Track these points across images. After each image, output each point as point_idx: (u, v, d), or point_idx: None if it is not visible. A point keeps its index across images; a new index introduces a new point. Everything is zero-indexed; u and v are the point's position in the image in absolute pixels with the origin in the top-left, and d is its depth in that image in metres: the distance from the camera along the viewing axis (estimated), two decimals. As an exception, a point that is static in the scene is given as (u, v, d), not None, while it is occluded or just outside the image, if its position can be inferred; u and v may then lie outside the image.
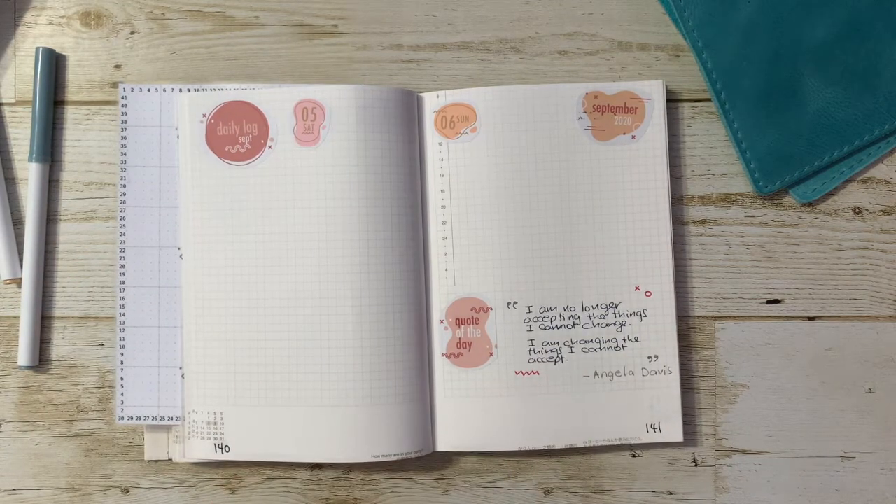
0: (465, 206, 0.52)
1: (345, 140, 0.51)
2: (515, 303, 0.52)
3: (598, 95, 0.53)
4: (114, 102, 0.54)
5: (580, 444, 0.52)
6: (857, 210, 0.54)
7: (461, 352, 0.52)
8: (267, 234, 0.52)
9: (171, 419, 0.52)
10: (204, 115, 0.52)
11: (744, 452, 0.53)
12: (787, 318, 0.54)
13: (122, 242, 0.53)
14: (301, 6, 0.54)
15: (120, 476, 0.53)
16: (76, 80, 0.54)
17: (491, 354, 0.52)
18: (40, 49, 0.53)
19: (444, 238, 0.53)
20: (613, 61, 0.54)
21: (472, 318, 0.52)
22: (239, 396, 0.51)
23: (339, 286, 0.51)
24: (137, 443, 0.53)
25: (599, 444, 0.52)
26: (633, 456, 0.54)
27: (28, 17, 0.55)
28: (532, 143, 0.52)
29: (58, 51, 0.54)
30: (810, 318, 0.54)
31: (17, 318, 0.53)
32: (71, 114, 0.54)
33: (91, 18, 0.54)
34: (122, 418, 0.52)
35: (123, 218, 0.53)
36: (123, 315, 0.52)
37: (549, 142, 0.53)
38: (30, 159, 0.53)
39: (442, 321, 0.53)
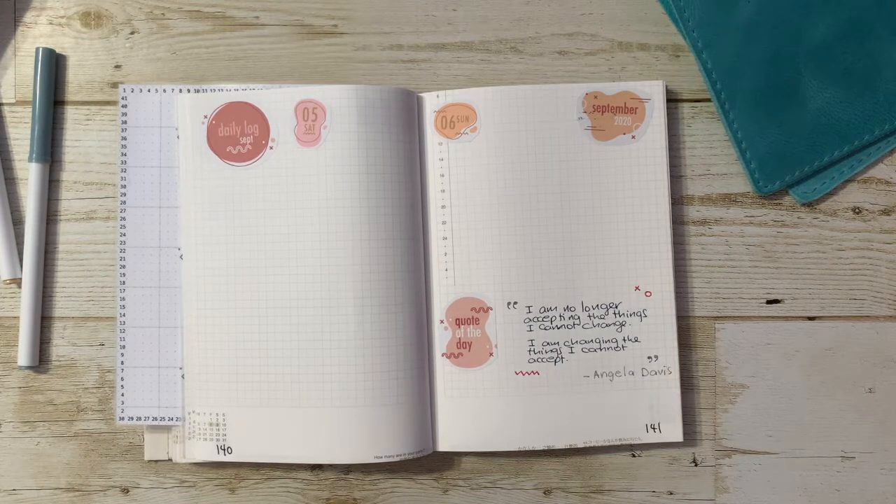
0: (465, 206, 0.52)
1: (346, 140, 0.51)
2: (515, 303, 0.52)
3: (598, 95, 0.53)
4: (114, 102, 0.54)
5: (580, 445, 0.52)
6: (857, 210, 0.54)
7: (461, 352, 0.52)
8: (268, 234, 0.52)
9: (172, 420, 0.52)
10: (205, 117, 0.52)
11: (744, 452, 0.53)
12: (787, 318, 0.54)
13: (122, 243, 0.53)
14: (301, 6, 0.54)
15: (120, 476, 0.53)
16: (76, 80, 0.54)
17: (491, 354, 0.52)
18: (40, 49, 0.53)
19: (445, 238, 0.53)
20: (613, 61, 0.54)
21: (472, 318, 0.52)
22: (240, 397, 0.51)
23: (340, 286, 0.51)
24: (137, 443, 0.53)
25: (599, 444, 0.52)
26: (633, 456, 0.54)
27: (28, 17, 0.55)
28: (532, 143, 0.52)
29: (58, 51, 0.54)
30: (810, 318, 0.54)
31: (17, 318, 0.53)
32: (71, 114, 0.54)
33: (91, 18, 0.54)
34: (122, 418, 0.52)
35: (123, 218, 0.53)
36: (123, 315, 0.52)
37: (549, 142, 0.53)
38: (30, 159, 0.53)
39: (442, 321, 0.53)
